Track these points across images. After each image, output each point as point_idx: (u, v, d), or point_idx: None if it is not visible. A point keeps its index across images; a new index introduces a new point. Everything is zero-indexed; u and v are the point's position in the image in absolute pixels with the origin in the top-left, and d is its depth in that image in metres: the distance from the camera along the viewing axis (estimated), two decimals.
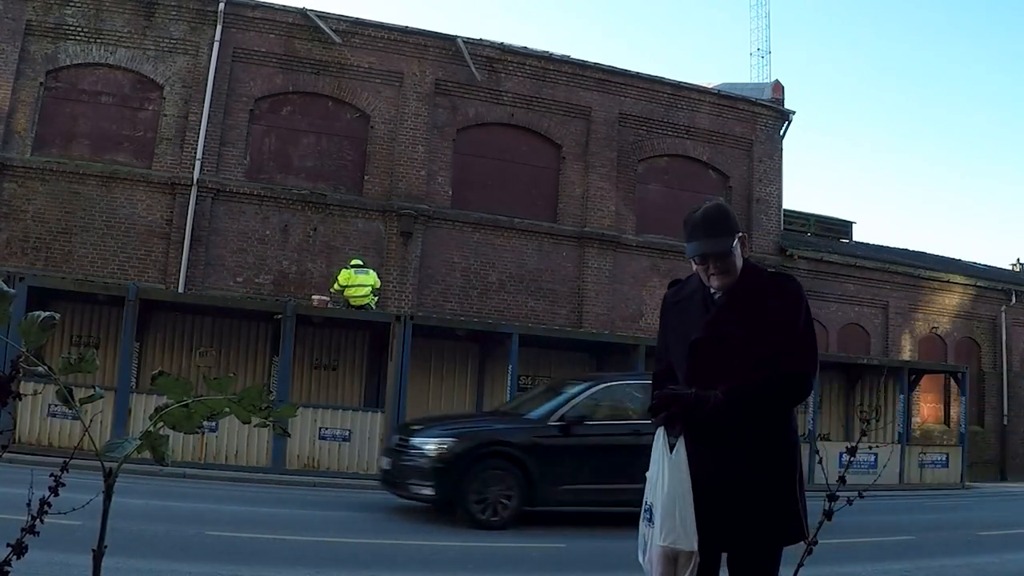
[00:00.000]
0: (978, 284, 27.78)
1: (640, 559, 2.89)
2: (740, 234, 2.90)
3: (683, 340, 2.94)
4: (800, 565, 2.71)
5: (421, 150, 20.67)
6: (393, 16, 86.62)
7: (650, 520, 2.77)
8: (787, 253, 24.06)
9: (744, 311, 2.85)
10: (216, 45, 19.31)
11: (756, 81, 31.94)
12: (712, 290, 2.91)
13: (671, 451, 2.79)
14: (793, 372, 2.83)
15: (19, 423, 13.90)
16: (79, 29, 18.89)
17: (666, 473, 2.75)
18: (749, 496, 2.77)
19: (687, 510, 2.69)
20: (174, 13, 19.34)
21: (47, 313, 1.80)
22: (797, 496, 2.87)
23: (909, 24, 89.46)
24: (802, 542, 2.75)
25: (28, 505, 1.82)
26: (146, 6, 19.16)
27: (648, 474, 2.89)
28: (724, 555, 2.93)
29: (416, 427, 11.25)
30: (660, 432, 2.86)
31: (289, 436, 14.13)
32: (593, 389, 11.29)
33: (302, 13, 20.06)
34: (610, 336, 19.73)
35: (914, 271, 26.62)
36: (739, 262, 2.88)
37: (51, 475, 1.85)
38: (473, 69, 21.11)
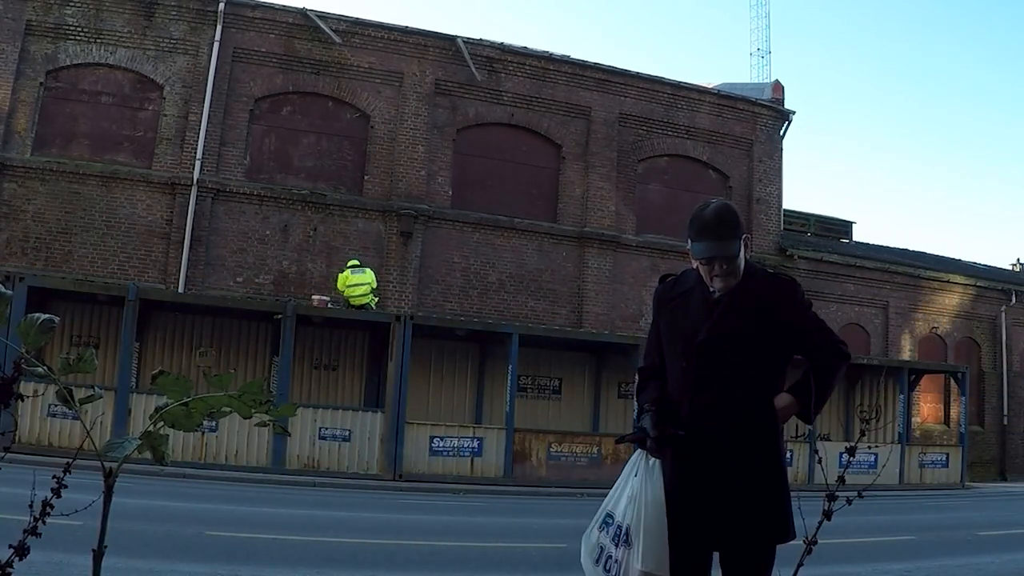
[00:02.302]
0: (978, 284, 27.78)
1: (591, 567, 2.89)
2: (745, 235, 2.90)
3: (681, 340, 2.93)
4: (800, 565, 2.71)
5: (421, 150, 20.67)
6: (393, 16, 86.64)
7: (627, 541, 2.78)
8: (787, 253, 24.06)
9: (747, 311, 2.86)
10: (216, 45, 19.31)
11: (756, 81, 31.96)
12: (712, 290, 2.91)
13: (651, 470, 2.82)
14: (835, 347, 2.99)
15: (19, 423, 13.89)
16: (79, 29, 18.89)
17: (648, 495, 2.78)
18: (741, 495, 2.78)
19: (664, 536, 2.75)
20: (174, 13, 19.34)
21: (46, 316, 1.80)
22: (786, 495, 2.88)
23: (909, 24, 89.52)
24: (800, 541, 2.75)
25: (30, 506, 1.82)
26: (146, 6, 19.16)
27: (620, 489, 2.88)
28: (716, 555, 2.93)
29: None
30: (640, 451, 2.87)
31: (289, 435, 14.13)
32: None
33: (302, 13, 20.06)
34: (610, 336, 19.74)
35: (914, 271, 26.61)
36: (742, 265, 2.89)
37: (53, 476, 1.85)
38: (473, 69, 21.11)
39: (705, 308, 2.90)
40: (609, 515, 2.88)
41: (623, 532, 2.81)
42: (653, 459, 2.82)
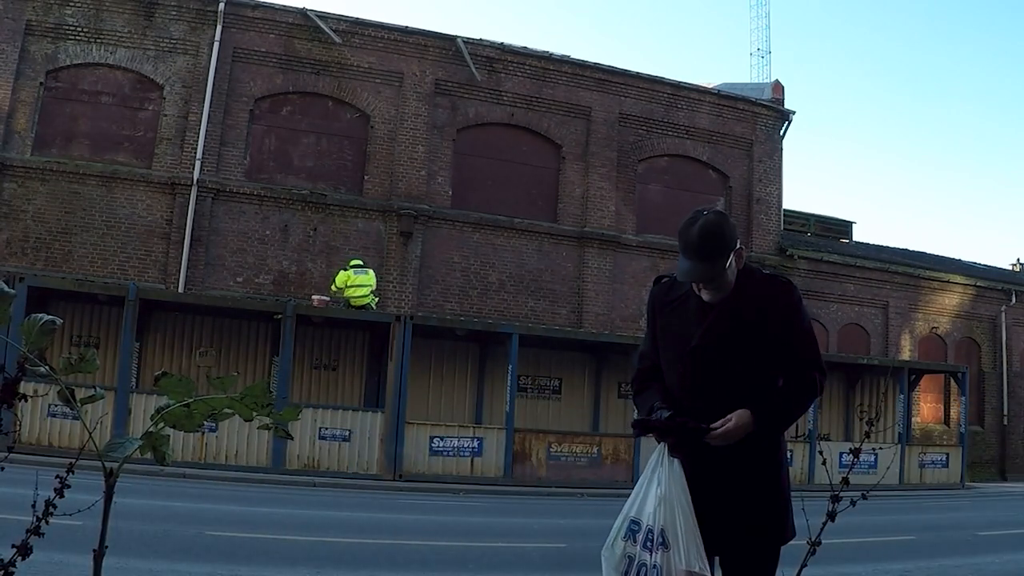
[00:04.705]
0: (978, 284, 27.78)
1: None
2: (737, 248, 2.83)
3: (677, 344, 2.91)
4: (803, 565, 2.70)
5: (421, 150, 20.66)
6: (393, 16, 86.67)
7: (663, 544, 2.68)
8: (787, 253, 24.06)
9: (742, 316, 2.82)
10: (216, 45, 19.31)
11: (756, 81, 31.96)
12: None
13: (672, 469, 2.76)
14: (811, 377, 2.85)
15: (20, 424, 13.89)
16: (79, 29, 18.88)
17: (679, 495, 2.71)
18: (738, 499, 2.76)
19: (699, 534, 2.68)
20: (174, 13, 19.33)
21: (48, 317, 1.80)
22: (786, 495, 2.87)
23: (909, 24, 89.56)
24: (804, 542, 2.75)
25: (33, 506, 1.82)
26: (146, 6, 19.16)
27: (641, 494, 2.81)
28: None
29: None
30: (663, 449, 2.82)
31: (291, 438, 14.11)
32: None
33: (302, 13, 20.06)
34: (610, 336, 19.73)
35: (914, 271, 26.62)
36: (732, 276, 2.85)
37: (56, 476, 1.85)
38: (473, 69, 21.10)
39: (700, 313, 2.88)
40: (634, 522, 2.78)
41: (656, 535, 2.71)
42: (673, 458, 2.78)
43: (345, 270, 17.48)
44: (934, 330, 26.82)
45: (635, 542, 2.75)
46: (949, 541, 10.39)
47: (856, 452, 2.68)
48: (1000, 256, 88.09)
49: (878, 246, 29.42)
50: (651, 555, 2.70)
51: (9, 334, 1.93)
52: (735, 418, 2.73)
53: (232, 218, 19.37)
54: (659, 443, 2.84)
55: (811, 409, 19.15)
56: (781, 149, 24.46)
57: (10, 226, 18.18)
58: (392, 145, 20.57)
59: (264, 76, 19.94)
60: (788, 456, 3.06)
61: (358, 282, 17.14)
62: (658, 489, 2.75)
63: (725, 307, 2.84)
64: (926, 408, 25.98)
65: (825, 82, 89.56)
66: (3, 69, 18.24)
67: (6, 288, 1.76)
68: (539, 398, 19.57)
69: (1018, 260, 32.11)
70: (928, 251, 31.63)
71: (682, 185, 23.09)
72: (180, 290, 18.20)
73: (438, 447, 16.55)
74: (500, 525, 10.88)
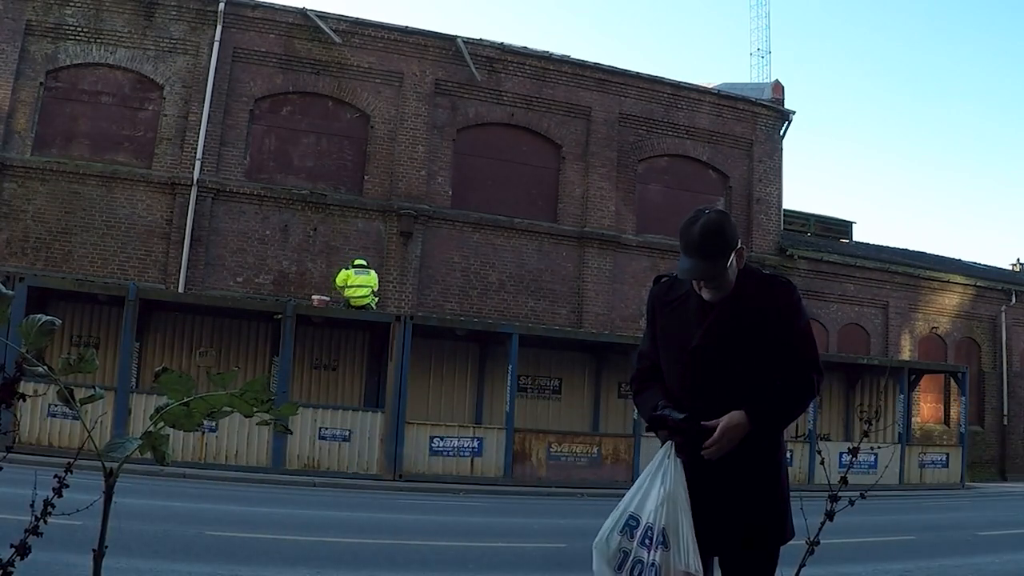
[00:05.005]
0: (978, 284, 27.78)
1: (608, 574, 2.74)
2: (738, 247, 2.82)
3: (678, 344, 2.91)
4: (802, 565, 2.70)
5: (421, 150, 20.66)
6: (393, 16, 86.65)
7: (663, 543, 2.65)
8: (787, 253, 24.06)
9: (742, 317, 2.82)
10: (216, 45, 19.31)
11: (756, 81, 31.95)
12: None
13: (676, 468, 2.74)
14: (808, 377, 2.84)
15: (19, 423, 13.88)
16: (79, 29, 18.88)
17: (682, 495, 2.69)
18: (737, 499, 2.76)
19: (693, 534, 2.67)
20: (174, 13, 19.34)
21: (47, 317, 1.80)
22: (785, 496, 2.87)
23: (909, 24, 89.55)
24: (803, 542, 2.75)
25: (31, 506, 1.82)
26: (146, 6, 19.16)
27: (643, 490, 2.79)
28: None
29: None
30: (669, 448, 2.81)
31: (291, 433, 14.10)
32: None
33: (302, 13, 20.06)
34: (610, 336, 19.73)
35: (914, 271, 26.62)
36: (733, 275, 2.85)
37: (55, 476, 1.85)
38: (473, 69, 21.11)
39: (700, 312, 2.87)
40: (633, 517, 2.75)
41: (656, 533, 2.68)
42: (677, 457, 2.77)
43: (347, 269, 17.50)
44: (934, 330, 26.82)
45: (632, 538, 2.72)
46: (949, 541, 10.40)
47: (854, 452, 2.67)
48: (1000, 256, 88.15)
49: (878, 246, 29.42)
50: (649, 553, 2.68)
51: (8, 335, 1.93)
52: (725, 420, 2.71)
53: (232, 218, 19.37)
54: (664, 442, 2.84)
55: (811, 409, 19.17)
56: (781, 149, 24.46)
57: (10, 226, 18.18)
58: (392, 145, 20.57)
59: (264, 76, 19.95)
60: (788, 456, 3.06)
61: (358, 282, 17.14)
62: (662, 487, 2.73)
63: (725, 307, 2.84)
64: (926, 408, 25.98)
65: (825, 82, 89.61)
66: (3, 69, 18.24)
67: (4, 289, 1.76)
68: (539, 398, 19.57)
69: (1018, 260, 32.12)
70: (928, 251, 31.68)
71: (682, 185, 23.09)
72: (180, 290, 18.20)
73: (438, 447, 16.55)
74: (500, 525, 10.88)
